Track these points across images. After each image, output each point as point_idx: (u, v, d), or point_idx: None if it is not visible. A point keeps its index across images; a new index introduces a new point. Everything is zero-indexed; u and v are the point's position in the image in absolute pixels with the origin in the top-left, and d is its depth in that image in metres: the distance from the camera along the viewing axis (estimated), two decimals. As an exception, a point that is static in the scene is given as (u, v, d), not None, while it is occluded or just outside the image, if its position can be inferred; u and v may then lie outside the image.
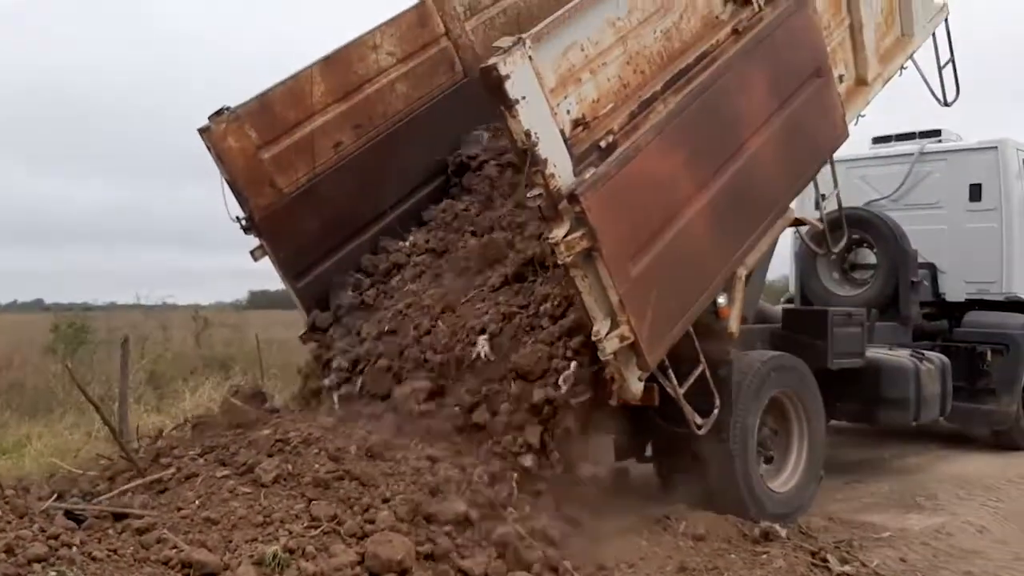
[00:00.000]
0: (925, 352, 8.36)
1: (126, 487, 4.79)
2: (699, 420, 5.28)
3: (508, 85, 4.38)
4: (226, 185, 6.14)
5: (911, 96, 8.94)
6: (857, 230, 8.63)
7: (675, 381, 5.10)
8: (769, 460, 6.37)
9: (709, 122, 5.44)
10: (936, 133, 10.11)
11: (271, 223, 6.31)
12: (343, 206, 6.66)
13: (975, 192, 9.58)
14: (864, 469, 8.40)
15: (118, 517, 4.36)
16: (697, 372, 5.30)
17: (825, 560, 4.90)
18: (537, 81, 4.54)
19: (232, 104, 6.15)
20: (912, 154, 9.89)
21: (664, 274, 4.99)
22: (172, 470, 4.96)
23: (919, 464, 8.79)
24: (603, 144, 4.81)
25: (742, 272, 5.79)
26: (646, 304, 4.81)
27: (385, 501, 4.61)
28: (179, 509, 4.46)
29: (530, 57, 4.50)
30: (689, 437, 5.35)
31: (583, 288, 4.70)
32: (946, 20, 8.46)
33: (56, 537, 3.99)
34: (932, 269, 9.58)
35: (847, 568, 4.86)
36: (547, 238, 4.67)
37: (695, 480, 5.82)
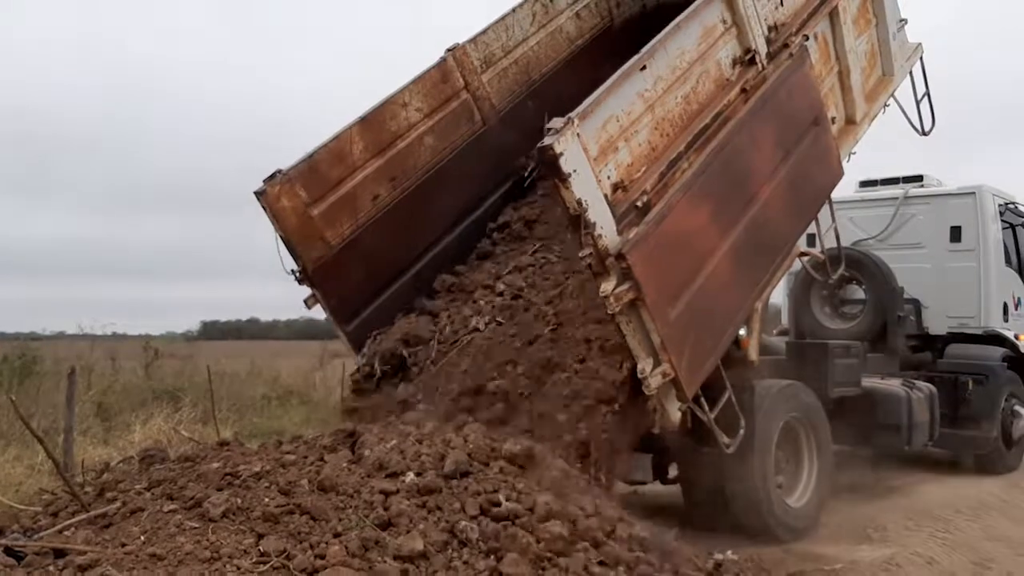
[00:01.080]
0: (915, 381, 9.13)
1: (69, 522, 4.67)
2: (727, 440, 5.98)
3: (562, 161, 5.02)
4: (280, 242, 6.72)
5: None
6: (847, 268, 9.04)
7: (706, 407, 5.78)
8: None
9: (728, 177, 6.12)
10: (919, 178, 10.88)
11: (322, 274, 6.92)
12: (383, 254, 7.29)
13: (955, 234, 10.36)
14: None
15: (60, 553, 4.24)
16: (724, 398, 6.00)
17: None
18: (585, 155, 5.19)
19: (283, 166, 6.76)
20: (897, 197, 10.62)
21: (697, 315, 5.67)
22: (117, 504, 4.84)
23: (870, 495, 8.89)
24: (639, 204, 5.50)
25: (759, 306, 6.61)
26: (684, 343, 5.51)
27: (336, 535, 4.55)
28: (123, 545, 4.35)
29: (578, 134, 5.14)
30: (715, 457, 6.13)
31: (628, 332, 5.38)
32: (920, 58, 9.14)
33: (-6, 575, 3.87)
34: (916, 304, 10.23)
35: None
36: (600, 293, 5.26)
37: (719, 497, 6.57)
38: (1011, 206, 10.95)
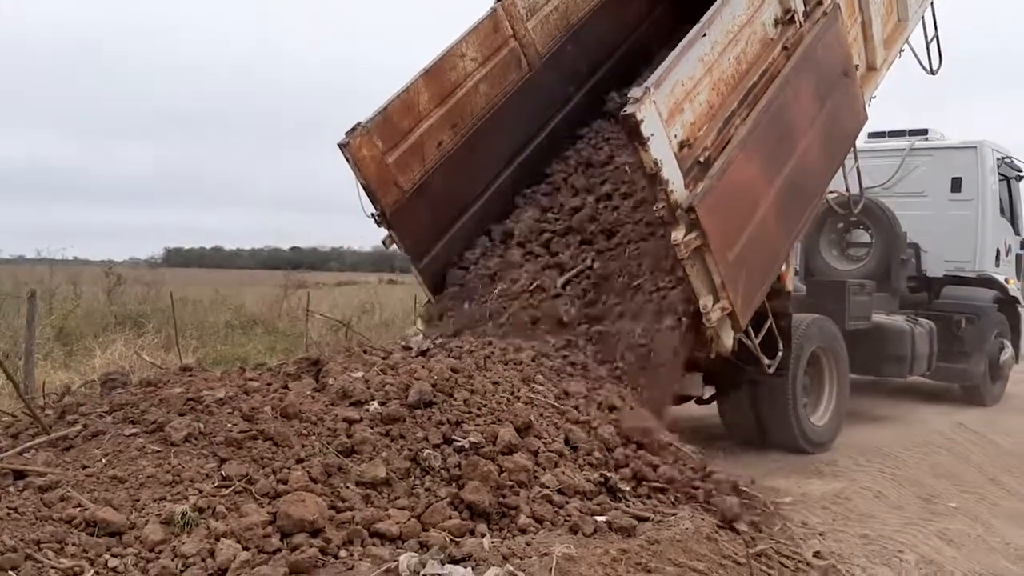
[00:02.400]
0: (918, 318, 10.11)
1: (29, 444, 4.64)
2: (768, 361, 6.96)
3: (643, 127, 5.64)
4: (361, 189, 7.39)
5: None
6: (856, 214, 9.77)
7: (752, 333, 6.67)
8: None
9: (774, 131, 6.82)
10: (924, 132, 11.65)
11: (397, 217, 7.60)
12: (447, 195, 8.03)
13: (956, 184, 11.19)
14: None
15: (19, 475, 4.23)
16: (767, 326, 6.95)
17: (732, 524, 5.04)
18: (660, 120, 5.80)
19: (361, 119, 7.34)
20: (903, 149, 11.31)
21: (750, 256, 6.45)
22: (78, 427, 4.83)
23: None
24: (701, 159, 6.15)
25: (795, 243, 7.55)
26: (739, 281, 6.29)
27: (299, 461, 4.58)
28: (84, 467, 4.36)
29: (654, 101, 5.74)
30: (754, 378, 7.27)
31: (692, 274, 6.12)
32: (932, 3, 9.68)
33: (-47, 494, 3.87)
34: (916, 249, 11.02)
35: (749, 528, 5.02)
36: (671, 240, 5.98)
37: (754, 414, 7.73)
38: (1007, 160, 11.69)
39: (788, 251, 7.33)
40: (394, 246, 7.76)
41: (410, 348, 6.48)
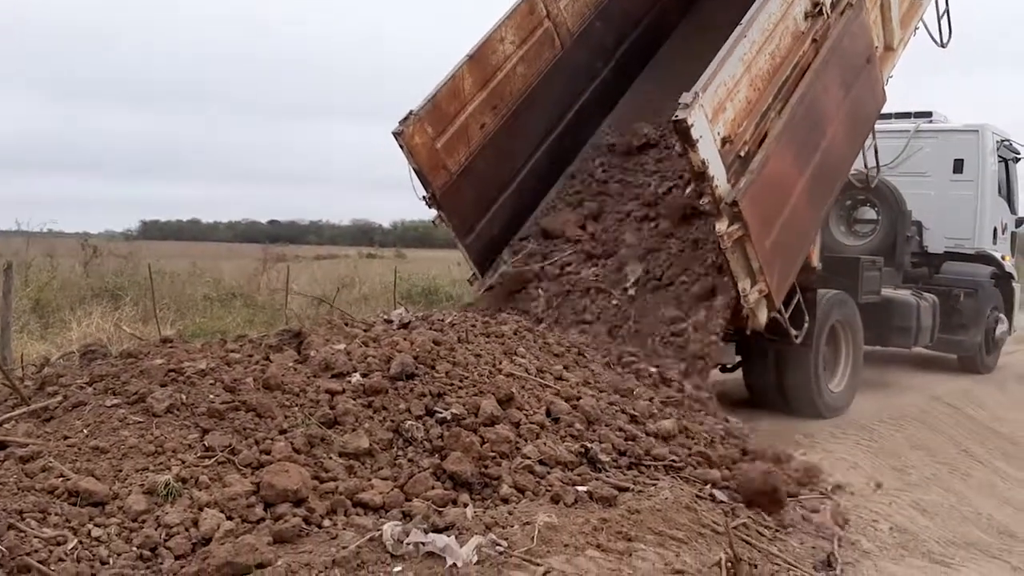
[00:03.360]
0: (923, 292, 10.73)
1: (9, 415, 4.63)
2: (795, 331, 7.53)
3: (692, 131, 6.06)
4: (413, 173, 7.83)
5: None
6: (863, 192, 10.44)
7: (782, 308, 7.18)
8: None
9: (807, 123, 7.25)
10: (928, 114, 12.11)
11: (446, 198, 8.05)
12: (489, 174, 8.45)
13: (958, 166, 11.72)
14: (744, 409, 8.72)
15: (0, 446, 4.22)
16: (795, 300, 7.47)
17: (712, 494, 5.11)
18: (706, 121, 6.20)
19: (413, 108, 7.76)
20: (908, 131, 11.71)
21: (785, 240, 6.97)
22: (59, 398, 4.82)
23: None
24: (741, 154, 6.58)
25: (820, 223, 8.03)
26: (775, 264, 6.85)
27: (282, 432, 4.59)
28: (66, 438, 4.35)
29: (701, 106, 6.13)
30: (780, 348, 7.86)
31: (733, 260, 6.61)
32: None
33: (-67, 465, 3.85)
34: (919, 226, 11.52)
35: (725, 496, 5.09)
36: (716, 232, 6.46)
37: (779, 382, 8.26)
38: (1005, 143, 12.21)
39: (817, 230, 7.90)
40: (443, 224, 8.25)
41: (391, 321, 6.48)
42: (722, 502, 4.99)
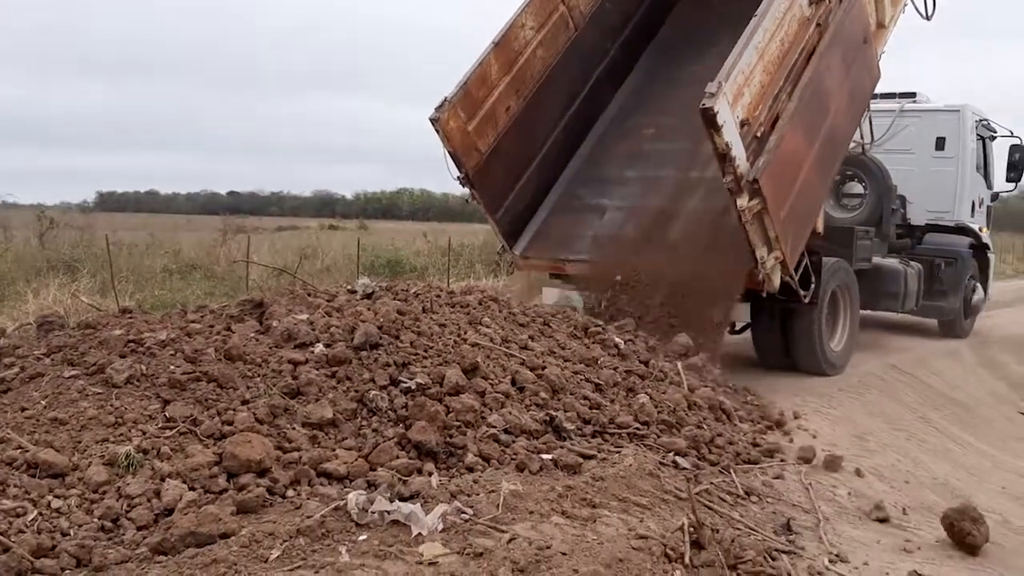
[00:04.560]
0: (909, 260, 11.41)
1: (-37, 387, 4.54)
2: (804, 292, 8.16)
3: (718, 117, 6.61)
4: (448, 156, 8.43)
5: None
6: (851, 167, 10.94)
7: (792, 271, 7.79)
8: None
9: (814, 102, 7.87)
10: (912, 94, 12.76)
11: (478, 178, 8.70)
12: (514, 153, 9.08)
13: (940, 143, 12.38)
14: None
15: (-45, 418, 4.14)
16: (803, 264, 8.13)
17: (675, 461, 5.17)
18: (729, 108, 6.75)
19: (447, 94, 8.35)
20: (893, 110, 12.31)
21: (797, 211, 7.65)
22: (15, 370, 4.73)
23: (759, 374, 9.32)
24: (758, 135, 7.16)
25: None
26: (788, 233, 7.49)
27: (244, 403, 4.55)
28: (23, 409, 4.28)
29: (725, 93, 6.66)
30: (788, 309, 8.55)
31: (752, 231, 7.19)
32: None
33: None
34: (903, 200, 11.99)
35: (687, 463, 5.15)
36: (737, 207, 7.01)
37: (783, 340, 8.96)
38: (983, 122, 12.88)
39: (823, 200, 8.68)
40: (475, 202, 8.92)
41: (355, 291, 6.44)
42: (684, 468, 5.04)
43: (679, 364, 7.01)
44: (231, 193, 78.05)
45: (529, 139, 9.31)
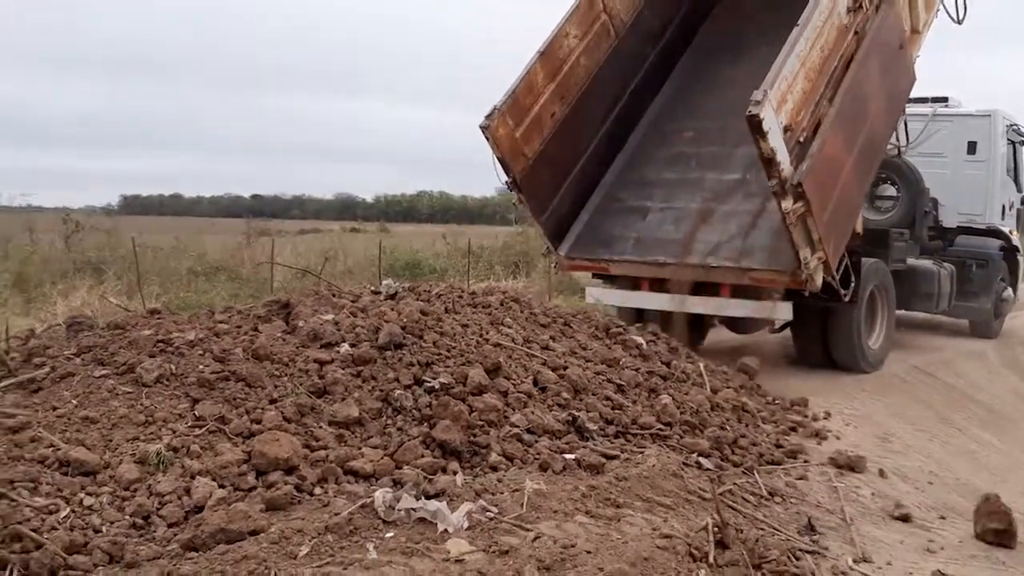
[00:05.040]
0: (943, 262, 11.62)
1: (-3, 386, 4.62)
2: (844, 291, 8.31)
3: (763, 124, 6.80)
4: (496, 161, 8.71)
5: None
6: (884, 170, 10.96)
7: (834, 271, 7.99)
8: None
9: (854, 108, 8.11)
10: (945, 99, 12.92)
11: (524, 182, 8.93)
12: (559, 158, 9.32)
13: (972, 147, 12.57)
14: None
15: (-12, 417, 4.22)
16: (843, 263, 8.29)
17: (698, 462, 5.18)
18: (773, 115, 6.95)
19: (496, 103, 8.60)
20: (926, 115, 12.35)
21: (838, 213, 7.87)
22: (46, 369, 4.81)
23: (785, 374, 9.29)
24: (801, 139, 7.34)
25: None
26: (831, 235, 7.70)
27: (272, 402, 4.61)
28: (55, 408, 4.35)
29: (769, 100, 6.87)
30: (828, 307, 8.73)
31: (796, 233, 7.36)
32: None
33: (-77, 436, 3.84)
34: (935, 202, 12.21)
35: (711, 464, 5.17)
36: (783, 210, 7.19)
37: (823, 338, 9.23)
38: (1014, 127, 13.09)
39: (862, 202, 8.92)
40: (522, 205, 9.22)
41: (379, 292, 6.50)
42: (708, 469, 5.05)
43: (701, 365, 7.03)
44: (254, 196, 78.69)
45: (573, 144, 9.54)
